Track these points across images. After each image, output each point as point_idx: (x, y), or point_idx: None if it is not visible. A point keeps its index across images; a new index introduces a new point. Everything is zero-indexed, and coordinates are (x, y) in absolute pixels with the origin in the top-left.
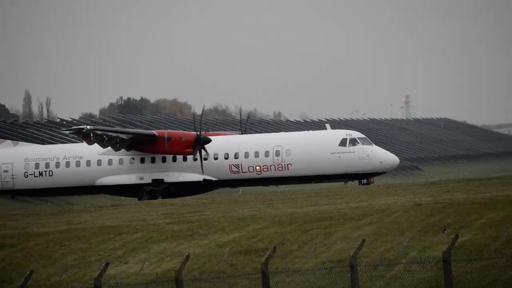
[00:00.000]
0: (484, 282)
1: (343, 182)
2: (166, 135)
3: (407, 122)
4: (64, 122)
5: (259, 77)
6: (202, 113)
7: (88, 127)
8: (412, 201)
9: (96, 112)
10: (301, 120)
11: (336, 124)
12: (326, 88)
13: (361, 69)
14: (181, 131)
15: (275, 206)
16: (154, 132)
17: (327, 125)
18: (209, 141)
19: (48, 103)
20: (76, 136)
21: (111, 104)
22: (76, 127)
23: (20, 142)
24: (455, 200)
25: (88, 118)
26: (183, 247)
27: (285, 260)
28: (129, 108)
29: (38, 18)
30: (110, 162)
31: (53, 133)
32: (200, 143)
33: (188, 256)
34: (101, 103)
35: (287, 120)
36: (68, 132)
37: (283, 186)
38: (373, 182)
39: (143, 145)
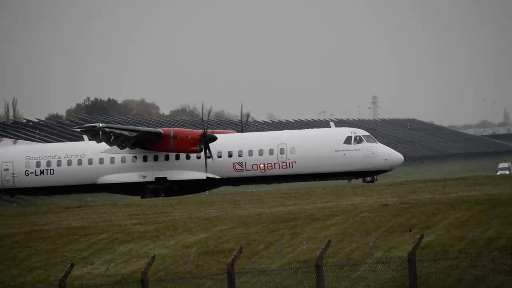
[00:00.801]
0: (448, 282)
1: (347, 180)
2: (172, 133)
3: (375, 122)
4: (31, 123)
5: (227, 78)
6: (203, 111)
7: (100, 124)
8: (378, 202)
9: (63, 113)
10: (269, 121)
11: (304, 124)
12: (294, 88)
13: (328, 70)
14: (187, 129)
15: (241, 207)
16: (160, 130)
17: (331, 123)
18: (215, 139)
19: (14, 104)
20: (84, 134)
21: (78, 105)
22: (88, 125)
23: (19, 140)
24: (421, 200)
25: (54, 118)
26: (149, 248)
27: (251, 261)
28: (96, 108)
29: (2, 19)
30: (112, 160)
31: (20, 134)
32: (206, 140)
33: (154, 257)
34: (68, 103)
35: (255, 121)
36: (79, 130)
37: (285, 184)
38: (376, 180)
39: (148, 143)
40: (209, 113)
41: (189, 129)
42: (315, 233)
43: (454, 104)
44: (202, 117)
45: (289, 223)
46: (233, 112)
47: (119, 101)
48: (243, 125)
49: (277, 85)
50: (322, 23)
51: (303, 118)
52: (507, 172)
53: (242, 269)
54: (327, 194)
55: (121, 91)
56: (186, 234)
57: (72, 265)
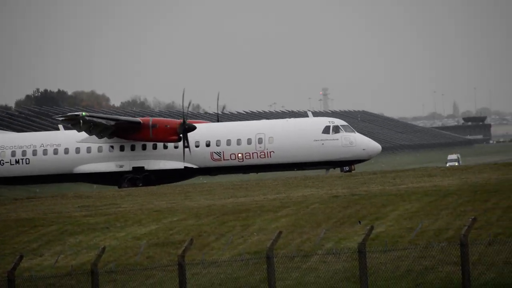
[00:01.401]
0: (397, 273)
1: (324, 170)
2: (151, 122)
3: (325, 114)
4: None
5: (177, 69)
6: (183, 101)
7: (83, 113)
8: (329, 193)
9: (12, 104)
10: (220, 113)
11: (255, 116)
12: (245, 80)
13: (280, 62)
14: (166, 119)
15: (192, 198)
16: (139, 119)
17: (309, 113)
18: (194, 128)
19: None
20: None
21: (28, 96)
22: (71, 113)
23: None
24: (371, 191)
25: (3, 110)
26: (99, 239)
27: (202, 252)
28: (46, 100)
29: None
30: (88, 150)
31: None
32: (185, 130)
33: (104, 249)
34: (17, 95)
35: (206, 113)
36: (61, 119)
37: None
38: (354, 170)
39: (127, 133)
40: (189, 105)
41: (168, 119)
42: (266, 224)
43: (404, 96)
44: (183, 107)
45: (240, 215)
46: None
47: (69, 92)
48: (219, 115)
49: (228, 77)
50: (272, 15)
51: (254, 110)
52: (456, 164)
53: (193, 261)
54: (278, 185)
55: (71, 83)
56: (136, 225)
57: (21, 257)
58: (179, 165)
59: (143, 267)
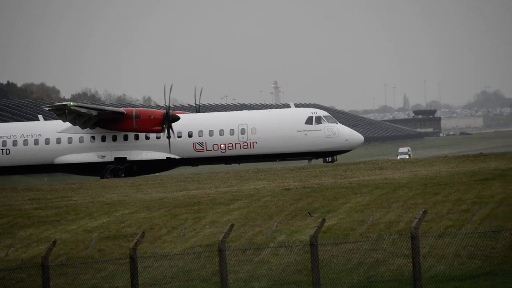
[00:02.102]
0: (349, 265)
1: (307, 160)
2: (134, 113)
3: (276, 107)
4: None
5: (128, 62)
6: (170, 93)
7: (71, 103)
8: (281, 186)
9: None
10: (172, 106)
11: (206, 109)
12: (196, 72)
13: (230, 55)
14: (149, 109)
15: (144, 191)
16: (122, 109)
17: (291, 103)
18: (178, 119)
19: None
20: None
21: None
22: (59, 103)
23: None
24: (322, 184)
25: None
26: (50, 232)
27: (154, 245)
28: None
29: None
30: (70, 140)
31: None
32: (169, 120)
33: (55, 242)
34: None
35: (157, 106)
36: (48, 108)
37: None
38: (336, 160)
39: (110, 123)
40: (169, 93)
41: (152, 109)
42: (218, 217)
43: (355, 89)
44: (164, 98)
45: (192, 208)
46: (135, 96)
47: (19, 85)
48: (198, 107)
49: (178, 70)
50: (222, 6)
51: (205, 103)
52: (407, 157)
53: (145, 254)
54: (230, 178)
55: (20, 75)
56: (87, 218)
57: None
58: (162, 155)
59: (94, 260)
